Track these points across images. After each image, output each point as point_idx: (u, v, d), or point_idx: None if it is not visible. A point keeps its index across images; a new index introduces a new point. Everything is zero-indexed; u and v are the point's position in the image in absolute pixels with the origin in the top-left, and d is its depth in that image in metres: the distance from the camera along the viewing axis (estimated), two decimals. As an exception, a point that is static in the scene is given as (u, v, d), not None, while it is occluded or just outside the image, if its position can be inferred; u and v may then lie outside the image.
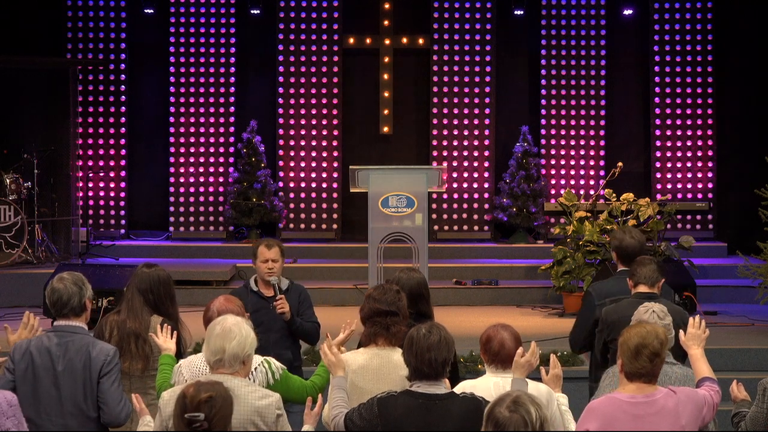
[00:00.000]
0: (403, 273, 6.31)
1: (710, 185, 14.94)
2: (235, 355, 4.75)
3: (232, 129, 15.10)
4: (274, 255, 7.20)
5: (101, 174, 14.98)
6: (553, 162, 15.06)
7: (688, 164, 14.98)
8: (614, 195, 11.82)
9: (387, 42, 15.08)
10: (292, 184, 15.03)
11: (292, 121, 15.09)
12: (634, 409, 4.65)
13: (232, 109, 15.12)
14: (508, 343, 5.18)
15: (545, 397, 5.13)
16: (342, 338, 5.74)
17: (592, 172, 15.01)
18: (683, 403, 4.73)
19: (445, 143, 15.04)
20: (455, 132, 15.05)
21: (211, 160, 15.11)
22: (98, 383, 5.25)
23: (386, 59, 15.09)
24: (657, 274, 6.42)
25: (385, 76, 15.09)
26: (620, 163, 12.25)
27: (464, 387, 5.18)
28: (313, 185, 15.05)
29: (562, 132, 15.07)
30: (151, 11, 14.77)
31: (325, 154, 15.05)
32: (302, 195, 15.04)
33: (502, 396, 3.98)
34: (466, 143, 15.04)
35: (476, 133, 15.05)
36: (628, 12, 14.90)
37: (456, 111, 15.05)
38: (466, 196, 15.02)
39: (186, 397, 4.20)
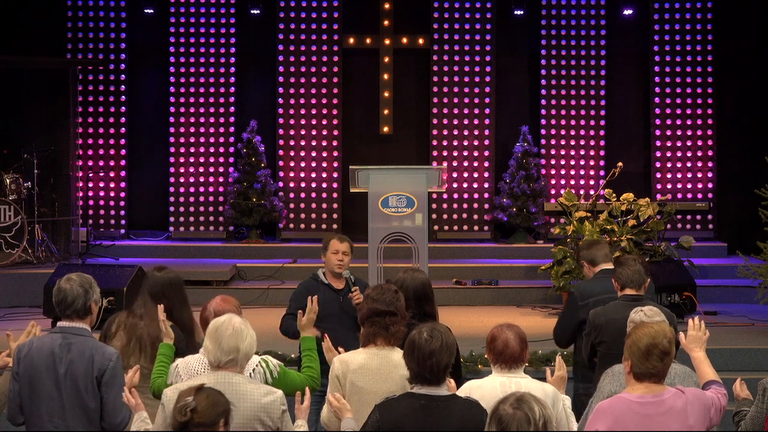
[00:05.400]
0: (407, 274, 6.31)
1: (710, 185, 14.94)
2: (247, 354, 4.87)
3: (232, 129, 15.09)
4: (345, 248, 7.30)
5: (101, 174, 14.98)
6: (553, 162, 15.06)
7: (688, 164, 14.98)
8: (614, 195, 11.81)
9: (387, 42, 15.07)
10: (292, 184, 15.03)
11: (292, 121, 15.09)
12: (644, 409, 4.65)
13: (232, 109, 15.12)
14: (512, 343, 5.16)
15: (552, 397, 5.13)
16: (308, 318, 5.91)
17: (592, 172, 15.01)
18: (691, 403, 4.73)
19: (445, 143, 15.04)
20: (455, 132, 15.05)
21: (211, 160, 15.10)
22: (99, 389, 5.25)
23: (386, 59, 15.09)
24: (642, 275, 6.39)
25: (385, 76, 15.09)
26: (620, 163, 12.23)
27: (471, 387, 5.18)
28: (313, 185, 15.04)
29: (562, 132, 15.07)
30: (151, 11, 14.78)
31: (325, 154, 15.05)
32: (302, 195, 15.04)
33: (507, 395, 3.99)
34: (466, 143, 15.04)
35: (476, 133, 15.05)
36: (628, 12, 14.90)
37: (456, 111, 15.05)
38: (466, 196, 15.02)
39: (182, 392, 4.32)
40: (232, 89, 15.12)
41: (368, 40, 15.17)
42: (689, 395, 4.75)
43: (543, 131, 15.06)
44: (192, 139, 15.08)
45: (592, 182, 14.89)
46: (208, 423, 4.21)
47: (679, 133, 15.02)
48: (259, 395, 4.82)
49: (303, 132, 15.08)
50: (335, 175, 15.01)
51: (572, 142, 15.05)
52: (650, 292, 6.98)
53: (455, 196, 15.00)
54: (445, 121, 15.05)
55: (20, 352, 5.32)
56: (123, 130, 15.10)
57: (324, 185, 15.04)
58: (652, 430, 4.62)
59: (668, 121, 15.02)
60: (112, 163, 15.09)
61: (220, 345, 4.82)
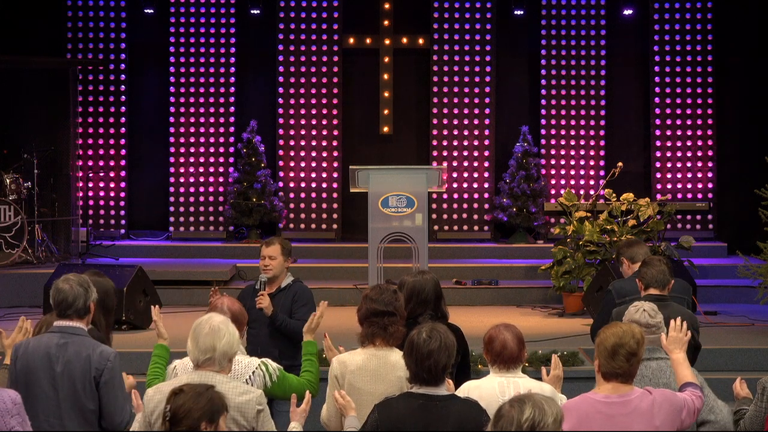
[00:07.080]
0: (418, 276, 6.18)
1: (710, 185, 14.94)
2: (225, 353, 4.83)
3: (232, 129, 15.10)
4: (271, 252, 7.27)
5: (101, 174, 14.98)
6: (553, 162, 15.06)
7: (688, 164, 14.98)
8: (614, 195, 11.82)
9: (387, 42, 15.08)
10: (292, 184, 15.03)
11: (292, 121, 15.09)
12: (608, 409, 4.65)
13: (232, 109, 15.13)
14: (510, 344, 5.16)
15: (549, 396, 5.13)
16: (316, 322, 5.89)
17: (592, 172, 15.01)
18: (659, 404, 4.72)
19: (445, 143, 15.04)
20: (455, 132, 15.05)
21: (211, 160, 15.11)
22: (98, 390, 5.24)
23: (386, 59, 15.09)
24: (667, 275, 6.40)
25: (385, 76, 15.09)
26: (620, 163, 12.24)
27: (469, 387, 5.18)
28: (313, 185, 15.05)
29: (562, 132, 15.07)
30: (151, 11, 14.78)
31: (325, 154, 15.05)
32: (302, 195, 15.04)
33: (522, 393, 4.00)
34: (466, 143, 15.04)
35: (476, 133, 15.05)
36: (628, 12, 14.89)
37: (456, 111, 15.05)
38: (466, 196, 15.02)
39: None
40: (232, 89, 15.12)
41: (368, 40, 15.17)
42: (657, 396, 4.75)
43: (543, 131, 15.06)
44: (192, 139, 15.08)
45: (592, 182, 14.89)
46: (194, 427, 4.20)
47: (679, 133, 15.02)
48: (233, 395, 4.79)
49: (303, 132, 15.08)
50: (335, 175, 15.01)
51: (572, 142, 15.05)
52: (686, 293, 7.10)
53: (455, 196, 15.00)
54: (445, 121, 15.05)
55: (17, 351, 5.31)
56: (123, 130, 15.10)
57: (324, 185, 15.05)
58: (616, 430, 4.61)
59: (668, 121, 15.02)
60: (112, 163, 15.09)
61: (197, 344, 4.83)
